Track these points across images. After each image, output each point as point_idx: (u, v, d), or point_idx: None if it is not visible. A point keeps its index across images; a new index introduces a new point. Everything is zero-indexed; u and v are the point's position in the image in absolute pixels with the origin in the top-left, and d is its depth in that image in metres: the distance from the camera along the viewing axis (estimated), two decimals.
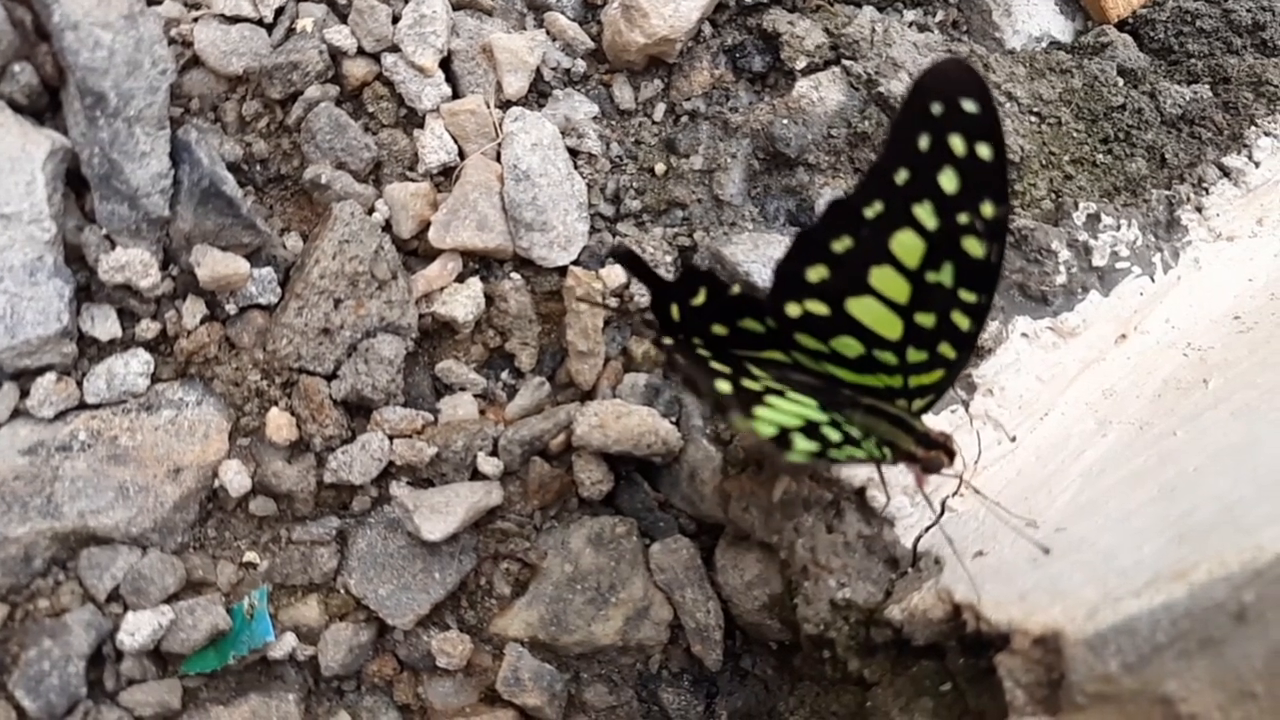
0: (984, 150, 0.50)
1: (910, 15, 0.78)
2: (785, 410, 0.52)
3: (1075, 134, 0.75)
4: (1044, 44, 0.79)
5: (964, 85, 0.50)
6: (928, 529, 0.63)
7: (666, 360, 0.66)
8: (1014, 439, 0.62)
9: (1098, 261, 0.71)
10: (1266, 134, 0.75)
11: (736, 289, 0.58)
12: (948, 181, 0.50)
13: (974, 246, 0.52)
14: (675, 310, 0.58)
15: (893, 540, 0.63)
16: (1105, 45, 0.77)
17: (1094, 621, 0.48)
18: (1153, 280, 0.72)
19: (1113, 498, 0.58)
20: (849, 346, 0.56)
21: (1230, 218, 0.74)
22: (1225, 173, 0.75)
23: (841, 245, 0.54)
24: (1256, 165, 0.74)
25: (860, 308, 0.55)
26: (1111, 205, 0.73)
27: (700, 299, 0.57)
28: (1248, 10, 0.78)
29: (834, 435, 0.53)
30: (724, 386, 0.51)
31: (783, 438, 0.49)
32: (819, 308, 0.56)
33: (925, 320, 0.54)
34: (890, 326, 0.55)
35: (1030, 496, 0.61)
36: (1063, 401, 0.68)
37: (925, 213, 0.51)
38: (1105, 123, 0.75)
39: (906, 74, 0.73)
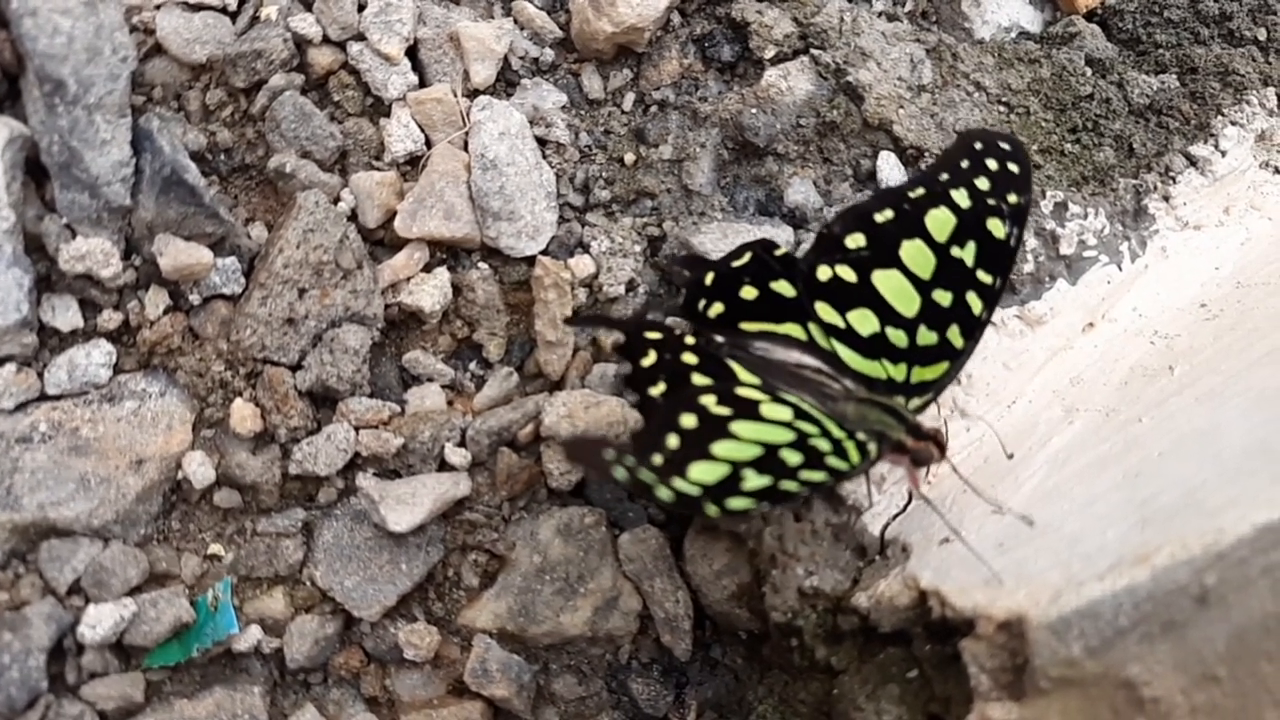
0: (1013, 166, 0.61)
1: (879, 5, 0.78)
2: (747, 438, 0.55)
3: (1043, 123, 0.75)
4: (1013, 34, 0.79)
5: (1000, 135, 0.63)
6: (895, 517, 0.63)
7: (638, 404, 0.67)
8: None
9: (1065, 250, 0.71)
10: (1233, 123, 0.75)
11: (784, 249, 0.65)
12: (981, 182, 0.61)
13: (997, 227, 0.61)
14: (711, 276, 0.64)
15: (860, 528, 0.63)
16: (1073, 35, 0.78)
17: (1057, 605, 0.49)
18: (1120, 269, 0.72)
19: (1078, 483, 0.58)
20: (865, 320, 0.61)
21: (1197, 207, 0.74)
22: (1192, 162, 0.75)
23: (883, 216, 0.62)
24: (1223, 154, 0.75)
25: (885, 280, 0.61)
26: (1079, 194, 0.73)
27: (744, 260, 0.64)
28: (1215, 1, 0.78)
29: (793, 459, 0.55)
30: (672, 441, 0.54)
31: (729, 481, 0.53)
32: (847, 274, 0.62)
33: (942, 298, 0.60)
34: (908, 301, 0.61)
35: (997, 483, 0.61)
36: (1030, 389, 0.68)
37: (960, 195, 0.61)
38: (1073, 112, 0.75)
39: (875, 63, 0.73)
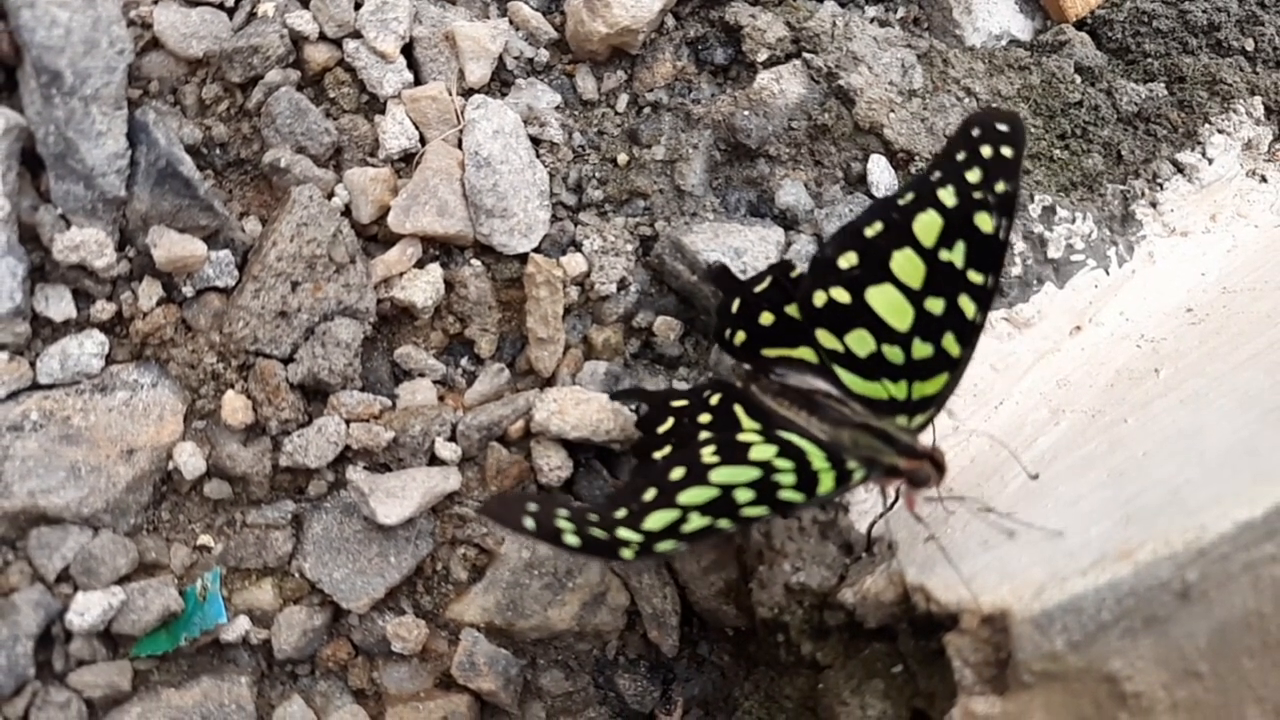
0: (1006, 151, 0.58)
1: (871, 11, 0.79)
2: (715, 482, 0.56)
3: (1033, 129, 0.76)
4: (1003, 41, 0.80)
5: (1001, 114, 0.59)
6: (881, 515, 0.63)
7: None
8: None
9: (1053, 254, 0.71)
10: (1220, 131, 0.76)
11: (798, 270, 0.64)
12: (972, 175, 0.58)
13: (984, 221, 0.58)
14: (737, 303, 0.65)
15: (847, 525, 0.64)
16: (1063, 43, 0.78)
17: (1041, 600, 0.49)
18: (1107, 273, 0.72)
19: (1063, 482, 0.58)
20: (862, 342, 0.60)
21: (1184, 213, 0.75)
22: (1180, 169, 0.76)
23: (873, 230, 0.60)
24: (1210, 162, 0.76)
25: (878, 296, 0.60)
26: (1067, 199, 0.74)
27: (764, 286, 0.64)
28: (1203, 11, 0.79)
29: (743, 496, 0.55)
30: (649, 495, 0.56)
31: (672, 526, 0.54)
32: (842, 295, 0.60)
33: (934, 306, 0.59)
34: (901, 315, 0.59)
35: (984, 482, 0.62)
36: (1017, 390, 0.69)
37: (947, 194, 0.58)
38: (1063, 119, 0.76)
39: (866, 68, 0.74)
